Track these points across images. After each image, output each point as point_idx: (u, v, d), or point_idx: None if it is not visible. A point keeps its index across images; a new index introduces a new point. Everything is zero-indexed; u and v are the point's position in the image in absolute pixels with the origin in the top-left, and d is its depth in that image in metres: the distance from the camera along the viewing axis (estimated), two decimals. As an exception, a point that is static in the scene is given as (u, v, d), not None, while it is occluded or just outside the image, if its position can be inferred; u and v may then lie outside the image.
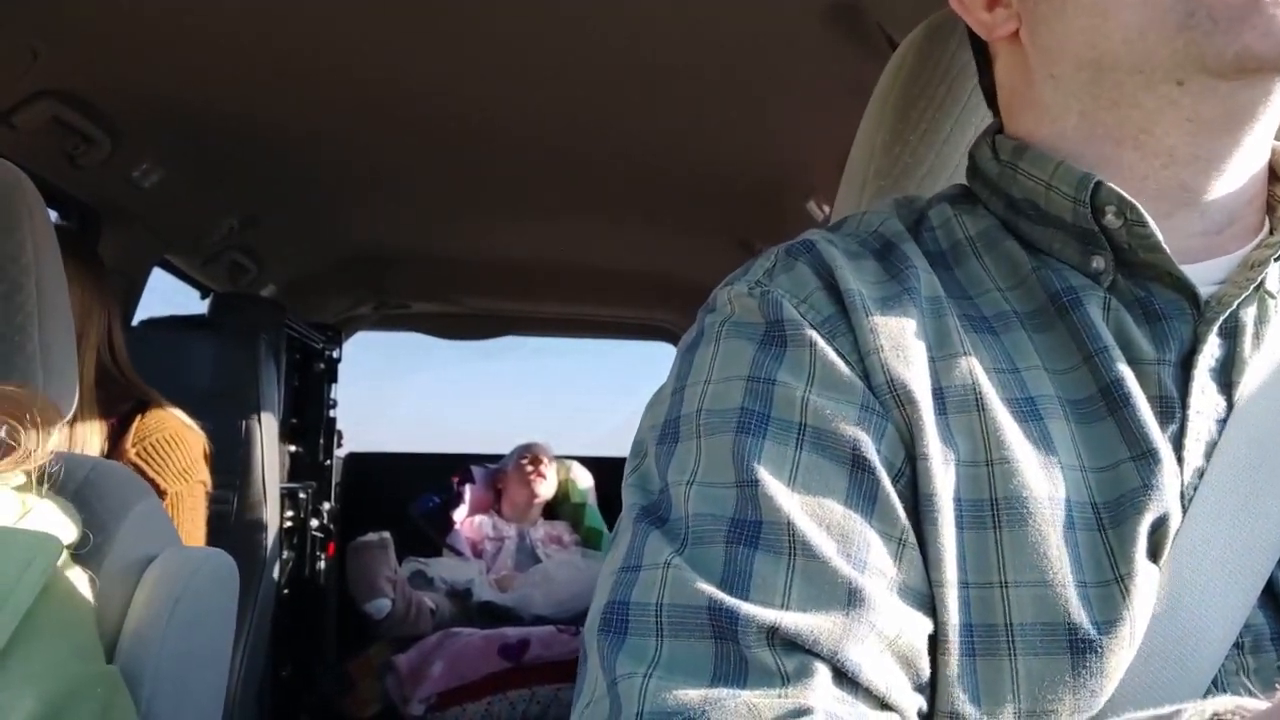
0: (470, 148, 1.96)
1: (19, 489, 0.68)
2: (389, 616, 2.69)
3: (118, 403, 1.47)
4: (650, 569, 0.43)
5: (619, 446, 3.61)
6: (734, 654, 0.39)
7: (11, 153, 1.46)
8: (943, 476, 0.44)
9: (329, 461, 2.85)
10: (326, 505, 2.74)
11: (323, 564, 2.72)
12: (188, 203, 2.07)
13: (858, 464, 0.44)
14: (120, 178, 1.81)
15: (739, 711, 0.37)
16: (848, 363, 0.46)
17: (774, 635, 0.39)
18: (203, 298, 2.50)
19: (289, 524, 2.34)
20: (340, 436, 2.99)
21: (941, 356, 0.47)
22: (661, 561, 0.42)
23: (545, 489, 3.25)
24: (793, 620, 0.40)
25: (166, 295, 2.34)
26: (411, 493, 3.23)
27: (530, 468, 3.24)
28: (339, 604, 2.85)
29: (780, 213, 2.15)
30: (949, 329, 0.48)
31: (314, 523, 2.59)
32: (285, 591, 2.35)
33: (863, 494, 0.44)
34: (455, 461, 3.41)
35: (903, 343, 0.47)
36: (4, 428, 0.68)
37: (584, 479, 3.43)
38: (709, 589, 0.41)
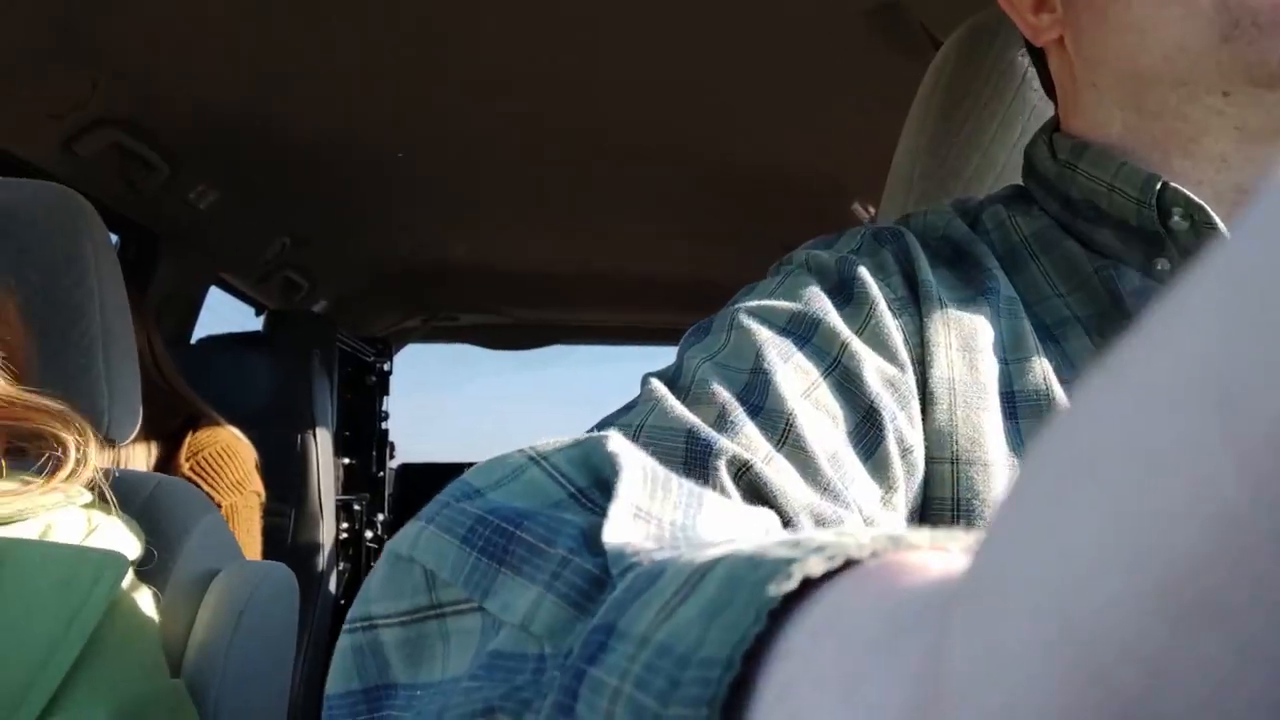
0: (514, 161, 1.98)
1: (86, 506, 0.70)
2: (444, 626, 2.71)
3: (168, 418, 1.50)
4: (642, 404, 0.41)
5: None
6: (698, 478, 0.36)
7: (73, 180, 1.50)
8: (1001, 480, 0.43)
9: (382, 473, 2.88)
10: (380, 516, 2.77)
11: (378, 574, 2.74)
12: (242, 223, 2.12)
13: (870, 417, 0.42)
14: (178, 200, 1.85)
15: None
16: (906, 341, 0.45)
17: (743, 473, 0.37)
18: (257, 314, 2.55)
19: (344, 536, 2.37)
20: (393, 448, 3.03)
21: (1015, 359, 0.46)
22: (656, 398, 0.40)
23: (595, 497, 3.25)
24: (770, 472, 0.37)
25: (222, 313, 2.39)
26: (463, 503, 3.25)
27: (580, 476, 3.24)
28: (395, 614, 2.87)
29: (825, 215, 2.14)
30: (1024, 331, 0.47)
31: (369, 534, 2.62)
32: (342, 602, 2.38)
33: (864, 444, 0.42)
34: (506, 471, 3.42)
35: (974, 344, 0.46)
36: (65, 445, 0.70)
37: (634, 486, 3.42)
38: (694, 421, 0.38)
